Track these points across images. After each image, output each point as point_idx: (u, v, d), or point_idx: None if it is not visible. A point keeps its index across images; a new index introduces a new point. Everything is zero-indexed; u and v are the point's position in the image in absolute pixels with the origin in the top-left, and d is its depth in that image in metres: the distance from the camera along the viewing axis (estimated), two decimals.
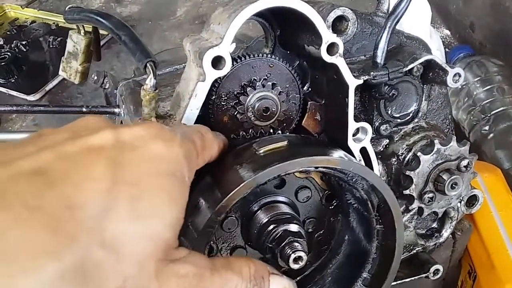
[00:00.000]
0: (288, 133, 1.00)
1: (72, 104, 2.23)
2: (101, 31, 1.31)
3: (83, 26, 1.25)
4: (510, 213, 1.42)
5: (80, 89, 2.36)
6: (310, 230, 1.02)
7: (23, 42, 2.67)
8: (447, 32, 2.48)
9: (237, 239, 0.97)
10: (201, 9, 2.99)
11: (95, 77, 1.33)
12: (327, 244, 1.06)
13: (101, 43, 2.54)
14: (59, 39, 2.64)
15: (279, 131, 0.97)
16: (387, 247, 0.96)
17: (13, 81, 2.46)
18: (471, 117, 1.90)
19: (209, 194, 0.81)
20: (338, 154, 0.88)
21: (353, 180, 0.91)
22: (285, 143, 0.85)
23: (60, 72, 1.32)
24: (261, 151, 0.83)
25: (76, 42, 1.27)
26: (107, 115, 1.22)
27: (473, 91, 1.93)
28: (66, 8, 1.18)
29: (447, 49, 2.25)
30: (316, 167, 0.84)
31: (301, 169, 0.83)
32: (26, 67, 2.55)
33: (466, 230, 1.29)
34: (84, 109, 1.15)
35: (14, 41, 2.67)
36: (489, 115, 1.85)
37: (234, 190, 0.76)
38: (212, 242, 0.94)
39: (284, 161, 0.79)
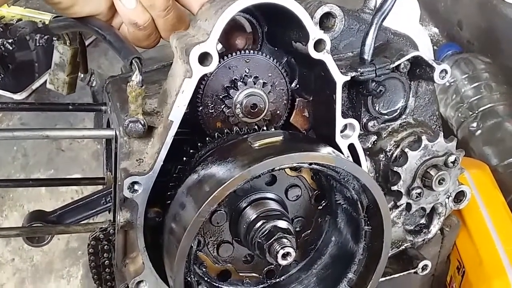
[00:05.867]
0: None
1: (59, 102, 2.21)
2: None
3: (68, 36, 1.24)
4: (497, 209, 1.43)
5: None
6: (297, 229, 1.02)
7: (9, 41, 2.63)
8: (435, 30, 2.49)
9: (225, 234, 0.97)
10: None
11: (82, 75, 1.32)
12: (313, 244, 1.06)
13: (89, 41, 2.52)
14: (45, 37, 2.61)
15: (273, 128, 0.97)
16: (374, 249, 0.96)
17: None
18: (459, 114, 1.91)
19: (203, 184, 0.81)
20: (333, 152, 0.88)
21: (345, 179, 0.91)
22: (280, 138, 0.86)
23: (48, 85, 1.32)
24: (256, 145, 0.83)
25: (62, 53, 1.26)
26: (94, 112, 1.21)
27: (461, 88, 1.94)
28: (51, 18, 1.18)
29: (435, 47, 2.26)
30: (310, 163, 0.85)
31: (295, 165, 0.83)
32: (13, 66, 2.52)
33: (454, 226, 1.30)
34: (70, 107, 1.13)
35: (0, 40, 2.64)
36: (476, 112, 1.86)
37: (229, 181, 0.76)
38: (200, 235, 0.93)
39: (279, 155, 0.79)
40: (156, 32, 1.02)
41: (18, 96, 2.31)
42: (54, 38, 1.28)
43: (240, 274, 1.03)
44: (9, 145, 2.15)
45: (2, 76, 2.45)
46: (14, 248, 1.94)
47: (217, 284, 1.01)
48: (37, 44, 2.63)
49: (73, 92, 1.30)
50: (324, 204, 1.03)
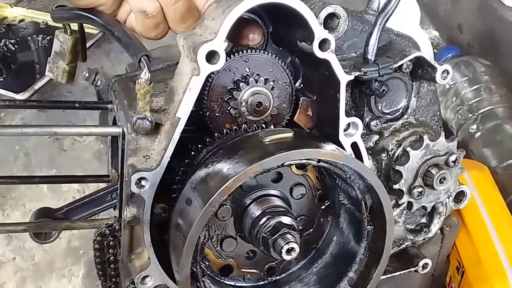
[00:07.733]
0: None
1: (65, 100, 2.21)
2: (89, 30, 1.30)
3: (69, 25, 1.24)
4: (497, 209, 1.44)
5: (69, 88, 2.34)
6: (300, 228, 1.03)
7: (12, 41, 2.65)
8: (436, 33, 2.51)
9: (229, 229, 0.98)
10: None
11: (87, 74, 1.33)
12: (314, 243, 1.07)
13: (91, 42, 2.54)
14: (48, 38, 2.62)
15: (272, 126, 0.98)
16: (375, 249, 0.97)
17: (1, 79, 2.44)
18: (459, 116, 1.92)
19: (214, 176, 0.82)
20: (342, 151, 0.90)
21: (351, 178, 0.93)
22: (291, 134, 0.87)
23: (47, 73, 1.30)
24: (267, 140, 0.85)
25: (62, 41, 1.26)
26: (99, 110, 1.22)
27: (461, 91, 1.95)
28: (53, 7, 1.17)
29: (435, 50, 2.28)
30: (319, 160, 0.86)
31: (304, 161, 0.85)
32: (15, 66, 2.54)
33: (454, 225, 1.31)
34: (77, 105, 1.14)
35: (3, 40, 2.65)
36: (476, 114, 1.87)
37: (241, 172, 0.78)
38: (205, 229, 0.94)
39: (291, 150, 0.81)
40: (165, 22, 1.02)
41: (20, 96, 2.32)
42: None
43: (242, 270, 1.04)
44: (11, 144, 2.16)
45: (5, 76, 2.47)
46: (16, 247, 1.94)
47: (219, 279, 1.02)
48: (39, 45, 2.64)
49: (72, 81, 1.29)
50: (327, 204, 1.05)
